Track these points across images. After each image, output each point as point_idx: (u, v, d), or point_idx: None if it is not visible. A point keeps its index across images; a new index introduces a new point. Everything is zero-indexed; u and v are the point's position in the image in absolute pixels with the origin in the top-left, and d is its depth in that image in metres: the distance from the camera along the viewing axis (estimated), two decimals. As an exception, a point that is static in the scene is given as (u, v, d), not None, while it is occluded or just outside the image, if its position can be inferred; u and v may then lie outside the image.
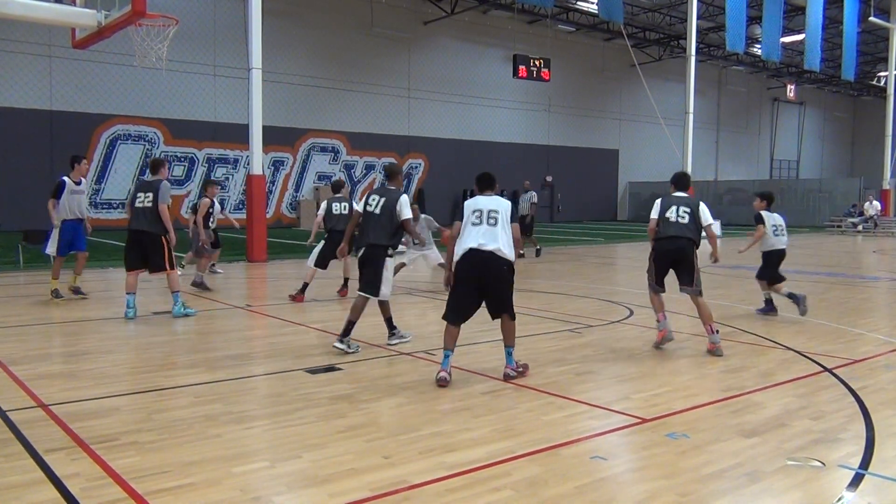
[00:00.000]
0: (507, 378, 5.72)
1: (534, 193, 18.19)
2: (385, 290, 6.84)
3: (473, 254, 5.69)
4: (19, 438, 4.27)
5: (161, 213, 8.61)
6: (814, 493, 3.63)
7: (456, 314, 5.82)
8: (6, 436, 4.33)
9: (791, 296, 8.86)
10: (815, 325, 8.45)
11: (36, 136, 24.45)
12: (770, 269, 9.17)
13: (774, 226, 9.20)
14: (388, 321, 7.14)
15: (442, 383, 5.57)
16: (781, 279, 9.12)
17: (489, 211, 5.81)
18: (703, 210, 7.15)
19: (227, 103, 27.59)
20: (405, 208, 6.81)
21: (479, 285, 5.76)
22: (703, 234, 7.10)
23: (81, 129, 25.24)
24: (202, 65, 27.36)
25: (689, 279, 7.03)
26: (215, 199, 12.07)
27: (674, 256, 7.12)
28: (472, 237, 5.73)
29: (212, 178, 12.99)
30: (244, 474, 3.78)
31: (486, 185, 6.11)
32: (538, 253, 17.88)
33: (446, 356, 5.72)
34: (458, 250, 5.80)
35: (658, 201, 7.49)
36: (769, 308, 9.27)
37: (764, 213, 9.19)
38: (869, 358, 6.66)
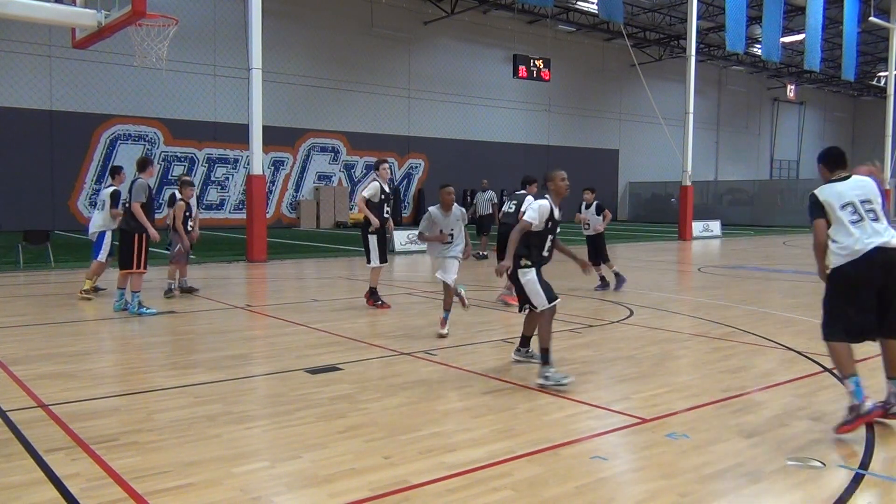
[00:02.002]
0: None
1: (493, 193, 17.69)
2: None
3: (880, 254, 4.44)
4: (19, 438, 4.27)
5: (134, 212, 8.79)
6: (814, 493, 3.63)
7: (854, 331, 4.66)
8: (6, 436, 4.33)
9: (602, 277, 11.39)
10: (815, 325, 8.41)
11: (36, 136, 24.47)
12: (598, 251, 11.48)
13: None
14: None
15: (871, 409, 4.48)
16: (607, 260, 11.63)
17: (863, 202, 4.57)
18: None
19: (227, 103, 27.61)
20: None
21: (882, 294, 4.52)
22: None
23: (81, 129, 25.27)
24: (202, 65, 27.38)
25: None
26: (191, 202, 11.03)
27: (501, 236, 9.35)
28: (866, 234, 4.47)
29: (187, 176, 12.26)
30: (244, 474, 3.78)
31: (838, 162, 4.79)
32: (485, 256, 16.45)
33: (857, 384, 4.52)
34: (844, 252, 4.52)
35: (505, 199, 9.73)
36: (610, 283, 11.35)
37: (600, 203, 11.69)
38: (869, 358, 6.64)
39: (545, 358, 5.61)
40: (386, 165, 9.47)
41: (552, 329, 5.75)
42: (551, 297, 5.75)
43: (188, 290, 10.74)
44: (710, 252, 21.18)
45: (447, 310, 7.79)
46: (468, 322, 8.62)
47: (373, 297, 9.42)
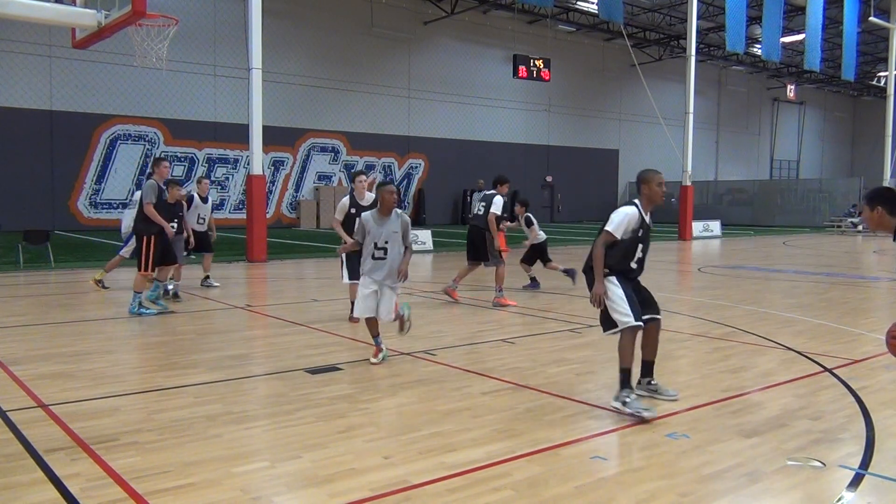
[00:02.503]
0: None
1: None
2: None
3: None
4: (19, 438, 4.27)
5: (147, 213, 8.89)
6: (814, 493, 3.63)
7: None
8: (6, 436, 4.33)
9: (565, 270, 11.43)
10: (815, 325, 8.45)
11: (36, 136, 24.47)
12: (542, 255, 11.48)
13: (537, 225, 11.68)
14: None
15: None
16: (550, 260, 11.60)
17: None
18: (493, 203, 9.87)
19: (227, 103, 27.61)
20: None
21: None
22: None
23: (81, 129, 25.27)
24: (202, 65, 27.38)
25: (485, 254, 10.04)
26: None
27: (471, 237, 10.13)
28: None
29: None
30: (244, 474, 3.78)
31: None
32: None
33: None
34: None
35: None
36: (535, 284, 11.44)
37: (530, 216, 11.41)
38: (869, 358, 6.66)
39: (625, 380, 4.82)
40: (362, 178, 8.48)
41: (634, 348, 4.92)
42: (637, 314, 4.86)
43: (174, 294, 10.29)
44: (710, 252, 21.18)
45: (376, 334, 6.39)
46: (468, 322, 8.63)
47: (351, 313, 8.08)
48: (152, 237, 8.92)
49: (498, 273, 9.97)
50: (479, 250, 10.08)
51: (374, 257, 6.29)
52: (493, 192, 10.11)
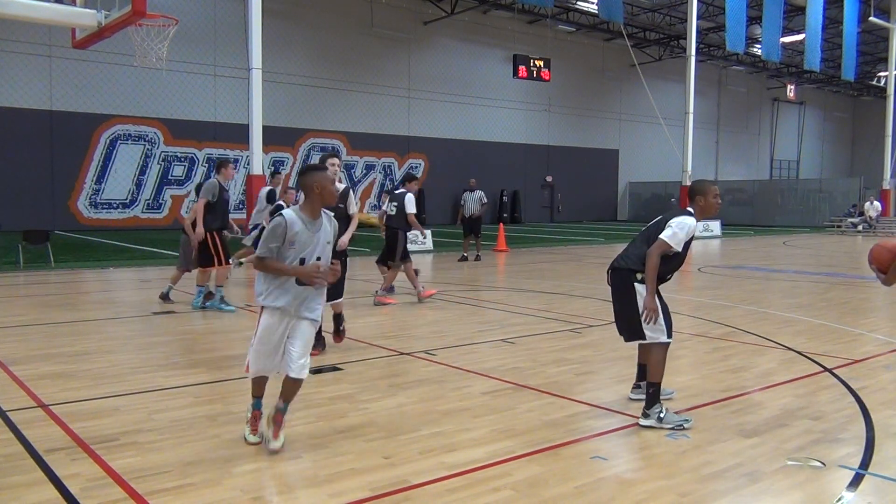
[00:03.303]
0: None
1: (482, 193, 17.22)
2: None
3: None
4: (19, 438, 4.27)
5: (197, 206, 9.00)
6: (814, 493, 3.63)
7: None
8: (6, 436, 4.33)
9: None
10: (815, 325, 8.45)
11: (36, 136, 24.46)
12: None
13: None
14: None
15: None
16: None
17: None
18: (405, 202, 9.93)
19: (227, 103, 27.60)
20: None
21: None
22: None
23: (81, 129, 25.26)
24: (202, 65, 27.37)
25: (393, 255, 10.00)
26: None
27: (387, 239, 10.16)
28: None
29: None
30: (244, 474, 3.78)
31: None
32: (478, 258, 16.63)
33: None
34: None
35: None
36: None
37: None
38: (869, 358, 6.66)
39: (654, 396, 4.57)
40: (335, 161, 6.74)
41: (666, 361, 4.71)
42: (670, 330, 4.69)
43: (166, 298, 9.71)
44: (710, 252, 21.18)
45: (287, 400, 4.29)
46: (468, 322, 8.63)
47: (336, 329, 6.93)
48: (213, 232, 8.97)
49: (394, 273, 10.04)
50: (392, 251, 10.01)
51: (299, 282, 4.08)
52: (402, 190, 10.10)
